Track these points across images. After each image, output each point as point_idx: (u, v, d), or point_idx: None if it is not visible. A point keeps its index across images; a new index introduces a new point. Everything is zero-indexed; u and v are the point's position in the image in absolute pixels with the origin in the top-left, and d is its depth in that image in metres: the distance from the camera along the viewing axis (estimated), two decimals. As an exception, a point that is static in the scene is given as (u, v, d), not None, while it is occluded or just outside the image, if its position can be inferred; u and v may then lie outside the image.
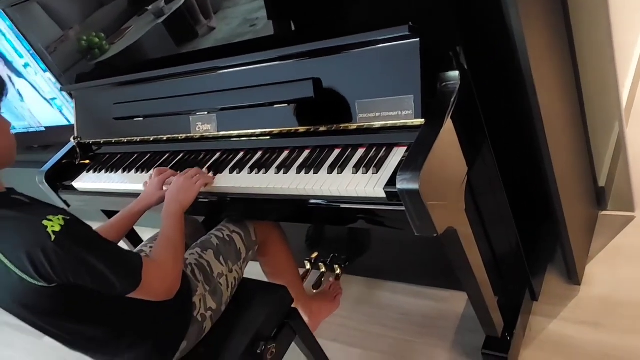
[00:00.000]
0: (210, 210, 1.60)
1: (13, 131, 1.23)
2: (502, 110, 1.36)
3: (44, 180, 1.93)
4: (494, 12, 1.18)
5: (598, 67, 1.63)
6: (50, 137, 2.72)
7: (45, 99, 2.48)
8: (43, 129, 2.73)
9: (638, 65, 2.36)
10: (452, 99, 1.18)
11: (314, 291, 2.06)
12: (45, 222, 1.04)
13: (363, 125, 1.30)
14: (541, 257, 1.83)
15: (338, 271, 2.07)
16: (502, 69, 1.28)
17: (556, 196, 1.47)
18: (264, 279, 1.82)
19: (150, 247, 1.62)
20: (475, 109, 1.26)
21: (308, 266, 2.13)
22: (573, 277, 1.73)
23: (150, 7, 1.60)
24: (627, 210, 1.87)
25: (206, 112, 1.59)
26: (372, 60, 1.26)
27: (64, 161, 2.00)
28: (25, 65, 2.35)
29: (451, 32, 1.17)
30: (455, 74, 1.20)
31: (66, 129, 2.46)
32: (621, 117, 1.65)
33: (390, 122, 1.25)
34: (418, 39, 1.17)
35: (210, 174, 1.52)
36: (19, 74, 2.43)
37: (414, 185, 1.06)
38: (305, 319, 1.80)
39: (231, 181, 1.47)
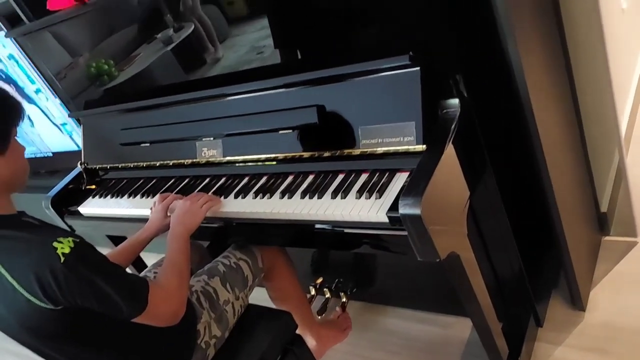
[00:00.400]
0: (216, 236, 1.61)
1: (24, 156, 1.25)
2: (503, 137, 1.38)
3: (50, 205, 1.95)
4: (493, 41, 1.22)
5: (596, 97, 1.66)
6: (57, 163, 2.75)
7: (55, 124, 2.53)
8: (51, 154, 2.77)
9: (636, 95, 2.39)
10: (453, 126, 1.20)
11: (319, 317, 2.05)
12: (55, 244, 1.06)
13: (366, 151, 1.32)
14: (545, 283, 1.83)
15: (344, 299, 2.06)
16: (501, 97, 1.31)
17: (558, 222, 1.48)
18: (269, 303, 1.82)
19: (155, 272, 1.63)
20: (475, 136, 1.28)
21: (313, 292, 2.13)
22: (577, 303, 1.73)
23: (159, 35, 1.65)
24: (629, 236, 1.87)
25: (212, 138, 1.62)
26: (374, 87, 1.28)
27: (70, 186, 2.02)
28: (37, 91, 2.40)
29: (451, 60, 1.20)
30: (455, 101, 1.23)
31: (74, 155, 2.50)
32: (620, 146, 1.67)
33: (392, 148, 1.27)
34: (418, 68, 1.20)
35: (217, 199, 1.53)
36: (30, 100, 2.48)
37: (415, 211, 1.08)
38: (312, 344, 1.80)
39: (236, 206, 1.49)
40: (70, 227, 1.97)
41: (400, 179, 1.27)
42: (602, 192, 1.92)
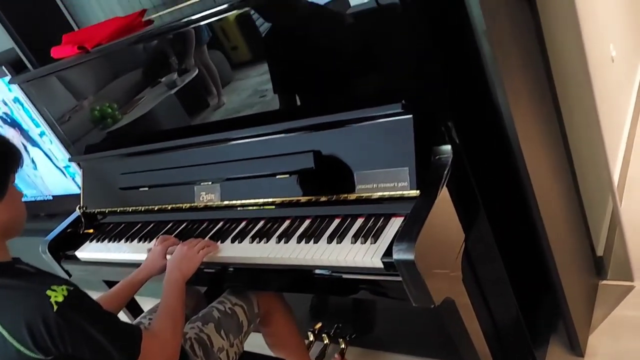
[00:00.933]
0: (213, 280, 1.61)
1: (24, 199, 1.27)
2: (495, 183, 1.40)
3: (47, 250, 1.95)
4: (483, 90, 1.26)
5: (588, 144, 1.70)
6: (57, 206, 2.76)
7: (58, 167, 2.55)
8: (51, 197, 2.78)
9: (628, 141, 2.44)
10: (446, 172, 1.23)
11: (317, 364, 2.02)
12: (49, 292, 1.06)
13: (362, 196, 1.34)
14: (543, 328, 1.81)
15: (343, 345, 2.04)
16: (493, 144, 1.34)
17: (553, 267, 1.49)
18: (265, 349, 1.80)
19: (150, 318, 1.62)
20: (468, 181, 1.31)
21: (311, 337, 2.10)
22: (576, 348, 1.71)
23: (163, 79, 1.68)
24: (626, 280, 1.87)
25: (210, 182, 1.64)
26: (369, 134, 1.32)
27: (68, 230, 2.02)
28: (41, 134, 2.43)
29: (443, 108, 1.23)
30: (447, 147, 1.26)
31: (74, 198, 2.51)
32: (614, 192, 1.70)
33: (387, 193, 1.29)
34: (411, 116, 1.23)
35: (216, 243, 1.54)
36: (34, 143, 2.51)
37: (409, 256, 1.09)
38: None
39: (233, 251, 1.50)
40: (67, 271, 1.97)
41: (395, 224, 1.28)
42: (598, 236, 1.93)
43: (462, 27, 1.21)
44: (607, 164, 1.63)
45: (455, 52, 1.28)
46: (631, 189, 2.26)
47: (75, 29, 2.19)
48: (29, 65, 2.11)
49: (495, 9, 1.22)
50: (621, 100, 2.47)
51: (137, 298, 1.94)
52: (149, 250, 1.62)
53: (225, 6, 1.42)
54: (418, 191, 1.23)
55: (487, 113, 1.29)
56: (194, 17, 1.48)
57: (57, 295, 1.06)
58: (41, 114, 2.25)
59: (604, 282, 1.93)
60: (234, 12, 1.41)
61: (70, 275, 1.96)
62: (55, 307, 1.05)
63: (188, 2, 1.69)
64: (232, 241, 1.52)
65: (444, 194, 1.22)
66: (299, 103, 1.53)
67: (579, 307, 1.70)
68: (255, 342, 1.72)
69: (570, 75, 1.60)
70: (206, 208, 1.67)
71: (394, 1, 1.14)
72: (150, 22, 1.74)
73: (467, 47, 1.24)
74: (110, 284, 1.99)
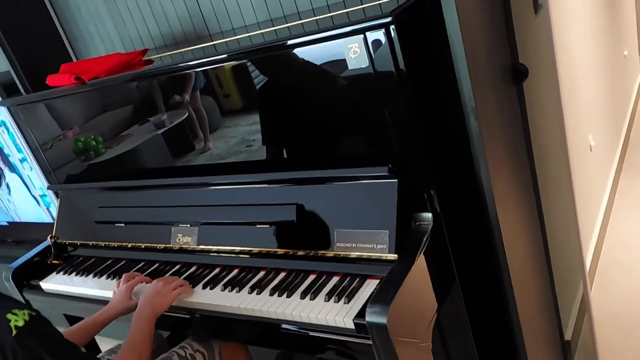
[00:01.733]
0: (177, 325, 1.57)
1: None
2: (471, 255, 1.42)
3: (10, 277, 1.90)
4: (467, 163, 1.30)
5: (563, 228, 1.75)
6: (26, 233, 2.70)
7: (33, 195, 2.51)
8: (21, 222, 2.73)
9: (601, 228, 2.50)
10: (425, 239, 1.24)
11: None
12: (9, 316, 1.03)
13: (340, 254, 1.34)
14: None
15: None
16: (472, 217, 1.36)
17: (522, 346, 1.49)
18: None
19: (108, 358, 1.57)
20: (445, 251, 1.32)
21: (269, 396, 2.04)
22: None
23: (152, 118, 1.70)
24: (592, 368, 1.87)
25: (189, 225, 1.63)
26: (353, 193, 1.33)
27: (35, 259, 1.98)
28: (22, 160, 2.40)
29: (427, 176, 1.26)
30: (428, 215, 1.28)
31: (45, 226, 2.46)
32: (585, 278, 1.72)
33: (365, 254, 1.29)
34: (396, 180, 1.25)
35: (189, 286, 1.51)
36: (13, 168, 2.48)
37: (382, 320, 1.08)
38: None
39: (203, 297, 1.47)
40: (27, 301, 1.90)
41: (370, 286, 1.28)
42: (567, 319, 1.94)
43: (450, 101, 1.26)
44: (580, 249, 1.67)
45: (443, 125, 1.32)
46: (602, 276, 2.30)
47: (74, 59, 2.21)
48: (21, 89, 2.12)
49: (484, 87, 1.27)
50: (597, 188, 2.55)
51: (96, 338, 1.88)
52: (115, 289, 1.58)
53: (224, 56, 1.46)
54: (396, 255, 1.24)
55: (468, 186, 1.32)
56: (192, 63, 1.51)
57: (17, 319, 1.03)
58: (26, 139, 2.23)
59: (570, 367, 1.92)
60: (232, 62, 1.45)
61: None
62: (14, 332, 1.02)
63: (190, 48, 1.73)
64: (204, 287, 1.50)
65: (421, 261, 1.23)
66: (286, 156, 1.55)
67: (544, 391, 1.69)
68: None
69: (551, 159, 1.66)
70: (181, 250, 1.65)
71: (389, 70, 1.18)
72: (150, 61, 1.78)
73: (454, 121, 1.28)
74: (71, 318, 1.93)
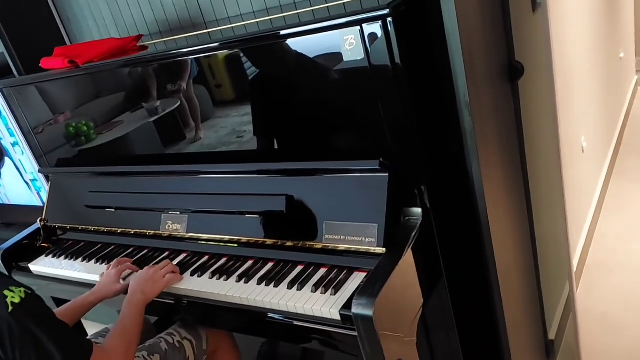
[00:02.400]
0: (165, 311, 1.58)
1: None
2: (460, 252, 1.42)
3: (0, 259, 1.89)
4: (459, 161, 1.30)
5: (552, 228, 1.76)
6: (16, 215, 2.69)
7: (24, 180, 2.50)
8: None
9: (590, 230, 2.52)
10: (413, 234, 1.25)
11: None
12: (6, 292, 1.05)
13: (328, 246, 1.34)
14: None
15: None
16: (462, 213, 1.37)
17: (506, 344, 1.50)
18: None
19: (95, 341, 1.57)
20: (434, 247, 1.33)
21: (254, 384, 2.05)
22: None
23: (145, 106, 1.69)
24: (574, 367, 1.89)
25: (178, 212, 1.63)
26: (343, 186, 1.34)
27: (25, 242, 1.97)
28: (14, 144, 2.39)
29: (418, 172, 1.27)
30: (418, 210, 1.28)
31: (34, 210, 2.45)
32: (571, 278, 1.74)
33: (353, 247, 1.30)
34: (387, 174, 1.26)
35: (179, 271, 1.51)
36: (6, 152, 2.46)
37: (368, 312, 1.09)
38: None
39: (191, 284, 1.47)
40: (15, 283, 1.90)
41: (357, 278, 1.28)
42: (552, 319, 1.96)
43: (445, 96, 1.26)
44: (568, 249, 1.68)
45: (436, 120, 1.33)
46: (589, 275, 2.31)
47: (68, 43, 2.19)
48: (15, 71, 2.10)
49: (479, 83, 1.28)
50: (587, 190, 2.56)
51: (83, 321, 1.88)
52: (102, 274, 1.58)
53: (218, 44, 1.46)
54: (384, 249, 1.25)
55: (459, 183, 1.33)
56: (185, 50, 1.51)
57: (14, 296, 1.05)
58: (19, 123, 2.22)
59: (553, 366, 1.94)
60: (225, 51, 1.44)
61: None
62: (10, 308, 1.04)
63: (184, 35, 1.73)
64: (192, 274, 1.50)
65: (408, 255, 1.24)
66: (277, 148, 1.55)
67: (527, 388, 1.71)
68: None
69: (543, 159, 1.67)
70: (170, 237, 1.66)
71: (384, 63, 1.18)
72: (144, 47, 1.77)
73: (448, 117, 1.29)
74: (58, 301, 1.93)
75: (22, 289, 1.08)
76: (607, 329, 2.02)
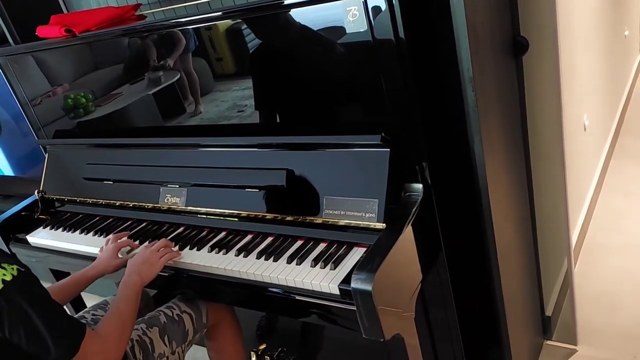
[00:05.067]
0: (164, 285, 1.57)
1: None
2: (459, 228, 1.42)
3: (-3, 230, 1.89)
4: (461, 137, 1.29)
5: (551, 205, 1.75)
6: (13, 187, 2.68)
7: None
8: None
9: (589, 207, 2.52)
10: (414, 209, 1.24)
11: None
12: None
13: (328, 221, 1.34)
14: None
15: (283, 369, 2.01)
16: (462, 190, 1.36)
17: (503, 320, 1.51)
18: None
19: (93, 314, 1.57)
20: (434, 223, 1.32)
21: (254, 358, 2.06)
22: (514, 404, 1.72)
23: (144, 78, 1.67)
24: (570, 343, 1.90)
25: (177, 186, 1.62)
26: (344, 160, 1.32)
27: (22, 213, 1.97)
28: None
29: (420, 147, 1.25)
30: (419, 186, 1.27)
31: (32, 181, 2.44)
32: (570, 255, 1.74)
33: (353, 222, 1.29)
34: (388, 150, 1.24)
35: (176, 249, 1.50)
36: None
37: (367, 286, 1.09)
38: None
39: (190, 257, 1.47)
40: (13, 254, 1.90)
41: (357, 253, 1.28)
42: (549, 296, 1.97)
43: (449, 71, 1.24)
44: (567, 227, 1.68)
45: (439, 96, 1.31)
46: (587, 254, 2.32)
47: (64, 11, 2.15)
48: (10, 39, 2.06)
49: (483, 58, 1.25)
50: (588, 168, 2.56)
51: (82, 293, 1.89)
52: (102, 248, 1.57)
53: (217, 14, 1.43)
54: (384, 224, 1.24)
55: (461, 159, 1.32)
56: (184, 20, 1.48)
57: (5, 273, 1.03)
58: (15, 94, 2.19)
59: (549, 342, 1.96)
60: (226, 22, 1.41)
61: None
62: (0, 286, 1.01)
63: (183, 4, 1.69)
64: (191, 248, 1.50)
65: (408, 231, 1.23)
66: (279, 122, 1.53)
67: (523, 363, 1.72)
68: (194, 355, 1.68)
69: (544, 136, 1.65)
70: (169, 211, 1.65)
71: (387, 37, 1.16)
72: (142, 17, 1.73)
73: (450, 92, 1.27)
74: (56, 273, 1.93)
75: (15, 267, 1.06)
76: (604, 306, 2.03)
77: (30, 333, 1.05)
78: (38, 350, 1.07)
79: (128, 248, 1.57)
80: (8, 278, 1.03)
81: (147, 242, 1.59)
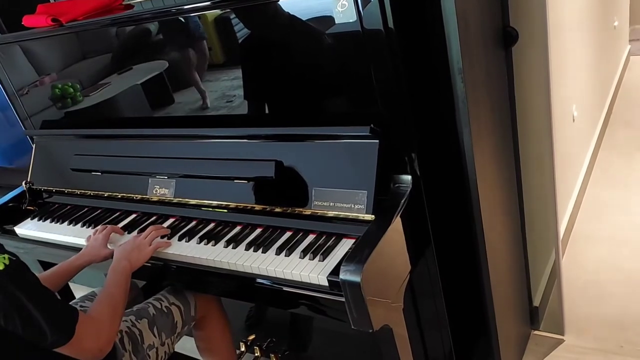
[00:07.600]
0: (153, 276, 1.57)
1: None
2: (448, 220, 1.43)
3: (-16, 221, 1.87)
4: (450, 129, 1.29)
5: (540, 195, 1.76)
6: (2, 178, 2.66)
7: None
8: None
9: (577, 198, 2.53)
10: (403, 201, 1.24)
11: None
12: None
13: (317, 212, 1.34)
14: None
15: (273, 360, 2.02)
16: (451, 182, 1.37)
17: (491, 310, 1.52)
18: (196, 354, 1.76)
19: (82, 305, 1.57)
20: (423, 214, 1.32)
21: (243, 348, 2.07)
22: (503, 393, 1.74)
23: (132, 68, 1.65)
24: (557, 333, 1.92)
25: (166, 177, 1.61)
26: (333, 152, 1.32)
27: (10, 204, 1.95)
28: None
29: (409, 139, 1.25)
30: (408, 177, 1.27)
31: (20, 172, 2.42)
32: (557, 246, 1.75)
33: (342, 214, 1.29)
34: (377, 141, 1.24)
35: (166, 239, 1.50)
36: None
37: (356, 278, 1.09)
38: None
39: (179, 249, 1.47)
40: (0, 245, 1.88)
41: (345, 245, 1.29)
42: (537, 286, 1.99)
43: (438, 62, 1.24)
44: (556, 217, 1.69)
45: (428, 87, 1.31)
46: (574, 245, 2.34)
47: (51, 0, 2.12)
48: (-4, 29, 2.04)
49: (473, 49, 1.25)
50: (576, 159, 2.57)
51: (70, 284, 1.88)
52: (89, 238, 1.57)
53: (207, 3, 1.41)
54: (373, 216, 1.24)
55: (450, 151, 1.32)
56: (174, 9, 1.46)
57: None
58: (2, 83, 2.16)
59: (536, 332, 1.98)
60: (215, 12, 1.40)
61: (3, 250, 1.88)
62: None
63: (173, -6, 1.67)
64: (180, 239, 1.50)
65: (397, 223, 1.23)
66: (267, 112, 1.53)
67: (510, 353, 1.74)
68: (184, 346, 1.68)
69: (533, 127, 1.66)
70: (158, 202, 1.64)
71: (376, 27, 1.15)
72: (130, 6, 1.71)
73: (440, 84, 1.27)
74: (44, 264, 1.92)
75: (6, 256, 1.07)
76: (591, 297, 2.05)
77: (25, 320, 1.06)
78: (35, 336, 1.08)
79: (117, 237, 1.56)
80: (0, 267, 1.03)
81: (136, 232, 1.59)
